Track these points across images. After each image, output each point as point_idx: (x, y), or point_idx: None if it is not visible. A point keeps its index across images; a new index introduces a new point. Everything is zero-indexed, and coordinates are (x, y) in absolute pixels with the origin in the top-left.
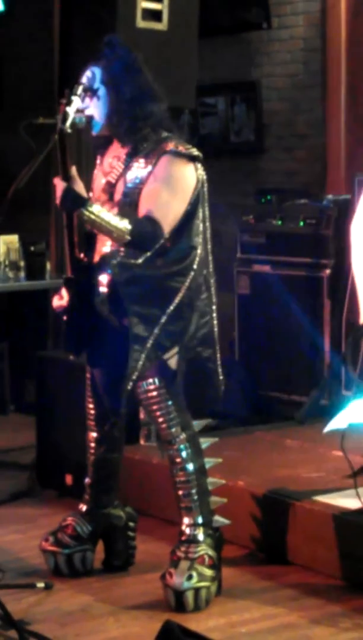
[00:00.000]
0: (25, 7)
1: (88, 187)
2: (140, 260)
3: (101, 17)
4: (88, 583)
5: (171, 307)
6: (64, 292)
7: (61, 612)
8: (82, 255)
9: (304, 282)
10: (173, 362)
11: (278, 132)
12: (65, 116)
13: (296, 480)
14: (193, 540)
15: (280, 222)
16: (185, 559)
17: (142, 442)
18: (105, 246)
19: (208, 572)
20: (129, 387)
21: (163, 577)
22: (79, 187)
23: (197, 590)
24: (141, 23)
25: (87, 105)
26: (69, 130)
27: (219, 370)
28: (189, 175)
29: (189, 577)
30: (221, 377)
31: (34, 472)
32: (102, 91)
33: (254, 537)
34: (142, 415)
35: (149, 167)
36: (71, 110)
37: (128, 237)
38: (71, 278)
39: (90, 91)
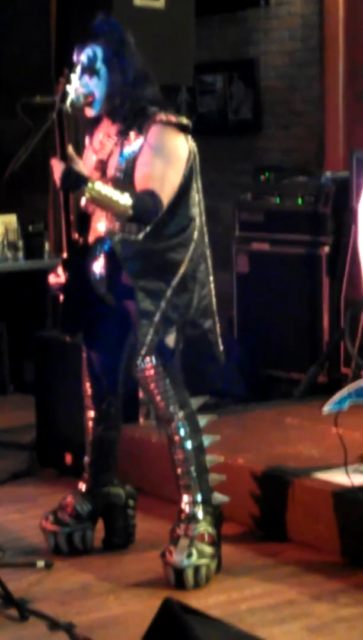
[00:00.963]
0: None
1: None
2: (141, 236)
3: None
4: (88, 561)
5: (176, 280)
6: (60, 269)
7: (61, 591)
8: (77, 236)
9: (303, 259)
10: (170, 340)
11: (276, 110)
12: (64, 95)
13: (296, 457)
14: (192, 518)
15: (278, 200)
16: (185, 536)
17: (141, 420)
18: (100, 226)
19: (208, 550)
20: (139, 362)
21: (163, 555)
22: (79, 165)
23: (197, 568)
24: (138, 1)
25: (86, 84)
26: (68, 110)
27: (220, 340)
28: (182, 146)
29: (189, 555)
30: (221, 348)
31: (33, 452)
32: (103, 71)
33: (254, 515)
34: (141, 394)
35: (141, 139)
36: (70, 89)
37: (130, 212)
38: (67, 259)
39: (90, 70)
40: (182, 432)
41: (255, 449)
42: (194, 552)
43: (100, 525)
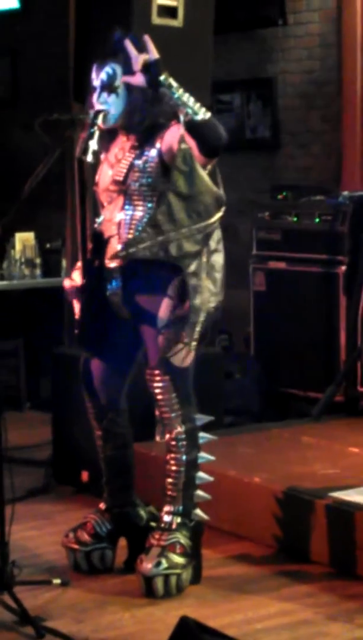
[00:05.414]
0: (40, 3)
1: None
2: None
3: (116, 14)
4: (104, 579)
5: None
6: (75, 274)
7: (77, 609)
8: (91, 258)
9: (320, 278)
10: (181, 356)
11: (293, 129)
12: (86, 148)
13: (313, 477)
14: (167, 529)
15: (295, 219)
16: (157, 546)
17: (157, 438)
18: (115, 246)
19: (179, 560)
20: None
21: (136, 563)
22: None
23: (167, 577)
24: (156, 20)
25: (105, 101)
26: (91, 161)
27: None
28: None
29: (158, 564)
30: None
31: (50, 469)
32: (122, 89)
33: (269, 534)
34: (156, 412)
35: (156, 148)
36: (92, 144)
37: (209, 114)
38: (85, 284)
39: (110, 88)
40: (179, 445)
41: (271, 468)
42: (163, 561)
43: (124, 543)
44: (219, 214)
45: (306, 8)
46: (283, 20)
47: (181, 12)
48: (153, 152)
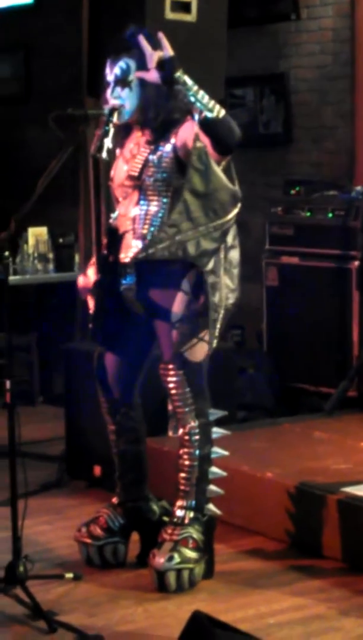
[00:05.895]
0: None
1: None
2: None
3: (130, 9)
4: (117, 574)
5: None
6: (90, 271)
7: (89, 603)
8: (106, 253)
9: (332, 273)
10: (196, 351)
11: (306, 124)
12: (101, 145)
13: (325, 472)
14: (180, 523)
15: (308, 214)
16: (169, 540)
17: (170, 433)
18: (130, 242)
19: (191, 555)
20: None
21: (148, 557)
22: None
23: (179, 572)
24: (170, 14)
25: (118, 96)
26: (105, 158)
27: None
28: None
29: (170, 558)
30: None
31: (63, 464)
32: (135, 83)
33: (282, 529)
34: (170, 407)
35: (170, 144)
36: (107, 141)
37: (223, 112)
38: (99, 280)
39: (123, 83)
40: (193, 439)
41: (283, 463)
42: (176, 556)
43: (137, 537)
44: (235, 211)
45: (320, 2)
46: (296, 14)
47: (194, 7)
48: (167, 148)
